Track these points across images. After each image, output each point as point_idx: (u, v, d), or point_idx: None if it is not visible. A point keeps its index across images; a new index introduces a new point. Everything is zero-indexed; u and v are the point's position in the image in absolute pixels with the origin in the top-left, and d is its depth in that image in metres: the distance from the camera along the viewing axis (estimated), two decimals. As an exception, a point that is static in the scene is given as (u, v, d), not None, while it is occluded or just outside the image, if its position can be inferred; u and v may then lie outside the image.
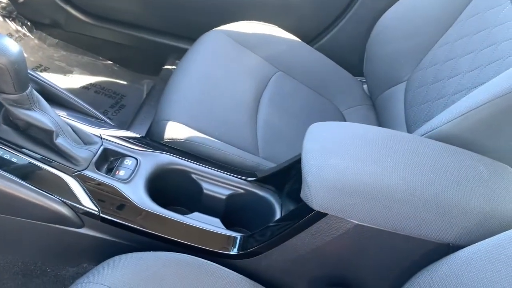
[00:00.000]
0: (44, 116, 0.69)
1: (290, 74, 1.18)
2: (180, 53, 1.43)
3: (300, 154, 0.66)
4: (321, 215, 0.59)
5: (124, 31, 1.48)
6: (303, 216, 0.61)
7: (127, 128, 1.15)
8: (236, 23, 1.18)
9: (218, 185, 0.78)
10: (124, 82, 1.48)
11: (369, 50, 1.18)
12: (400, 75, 1.08)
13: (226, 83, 1.06)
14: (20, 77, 0.64)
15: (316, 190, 0.58)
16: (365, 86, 1.25)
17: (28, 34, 1.51)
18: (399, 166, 0.59)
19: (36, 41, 1.51)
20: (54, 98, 0.82)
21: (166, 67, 1.42)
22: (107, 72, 1.50)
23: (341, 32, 1.30)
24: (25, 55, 1.41)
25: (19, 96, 0.66)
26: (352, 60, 1.28)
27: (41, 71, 1.43)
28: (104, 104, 1.37)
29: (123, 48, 1.51)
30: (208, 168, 0.79)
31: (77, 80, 1.44)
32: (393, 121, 1.04)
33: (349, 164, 0.60)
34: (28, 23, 1.51)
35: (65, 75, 1.44)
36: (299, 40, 1.22)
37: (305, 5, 1.29)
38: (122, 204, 0.68)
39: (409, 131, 0.98)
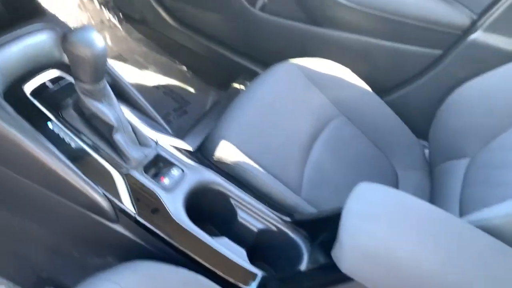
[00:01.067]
0: (110, 110, 0.72)
1: (352, 120, 1.16)
2: (250, 74, 1.47)
3: (341, 208, 0.64)
4: (347, 278, 0.57)
5: (203, 41, 1.53)
6: (330, 274, 0.59)
7: (184, 135, 1.18)
8: (311, 58, 1.19)
9: (253, 216, 0.77)
10: (192, 90, 1.53)
11: (439, 116, 1.14)
12: (465, 150, 1.03)
13: (287, 116, 1.06)
14: (98, 69, 0.68)
15: (347, 253, 0.57)
16: (426, 151, 1.20)
17: (117, 24, 1.60)
18: (440, 252, 0.56)
19: (123, 32, 1.60)
20: (123, 94, 0.86)
21: (234, 85, 1.45)
22: (180, 76, 1.55)
23: (415, 91, 1.27)
24: (110, 43, 1.51)
25: (92, 86, 0.69)
26: (419, 121, 1.24)
27: (120, 61, 1.51)
28: (169, 106, 1.42)
29: (199, 57, 1.56)
30: (248, 196, 0.79)
31: (150, 77, 1.50)
32: (447, 196, 1.00)
33: (388, 235, 0.57)
34: (120, 15, 1.61)
35: (140, 70, 1.52)
36: (369, 89, 1.20)
37: (384, 56, 1.28)
38: (159, 211, 0.70)
39: (461, 210, 0.93)
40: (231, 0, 1.40)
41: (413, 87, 1.27)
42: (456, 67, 1.18)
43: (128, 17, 1.61)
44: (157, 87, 1.49)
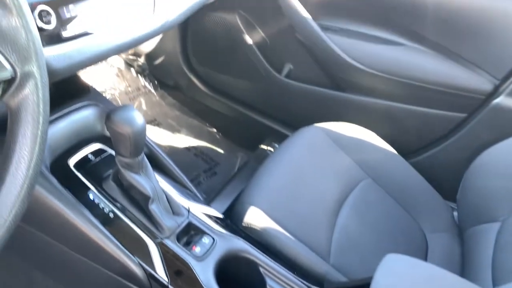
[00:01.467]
0: (147, 182, 0.77)
1: (379, 183, 1.17)
2: (277, 136, 1.52)
3: (370, 278, 0.65)
4: None
5: (232, 105, 1.61)
6: None
7: (214, 197, 1.22)
8: (336, 123, 1.23)
9: (282, 285, 0.78)
10: (222, 151, 1.59)
11: (467, 179, 1.14)
12: (496, 214, 1.02)
13: (315, 179, 1.09)
14: (137, 145, 0.73)
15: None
16: (455, 213, 1.20)
17: (152, 91, 1.71)
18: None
19: (157, 98, 1.70)
20: (157, 163, 0.91)
21: (262, 146, 1.50)
22: (210, 138, 1.62)
23: (441, 153, 1.28)
24: (145, 108, 1.60)
25: (132, 160, 0.75)
26: (446, 183, 1.24)
27: (154, 125, 1.59)
28: (199, 167, 1.48)
29: (228, 120, 1.63)
30: (277, 264, 0.81)
31: (182, 140, 1.58)
32: (479, 261, 0.98)
33: (417, 310, 0.58)
34: (155, 82, 1.72)
35: (173, 133, 1.59)
36: (395, 152, 1.22)
37: (409, 119, 1.31)
38: (191, 281, 0.72)
39: (494, 277, 0.91)
40: (258, 68, 1.48)
41: (439, 149, 1.28)
42: (481, 130, 1.19)
43: (163, 84, 1.72)
44: (189, 149, 1.55)
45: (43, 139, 0.46)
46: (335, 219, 1.04)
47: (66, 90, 0.86)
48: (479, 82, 1.17)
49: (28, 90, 0.44)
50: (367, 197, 1.14)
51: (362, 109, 1.35)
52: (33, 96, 0.45)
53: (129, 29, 0.72)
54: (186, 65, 1.63)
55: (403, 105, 1.29)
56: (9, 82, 0.43)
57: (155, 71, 1.71)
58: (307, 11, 1.31)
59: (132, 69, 1.69)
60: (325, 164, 1.14)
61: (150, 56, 1.68)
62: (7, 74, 0.42)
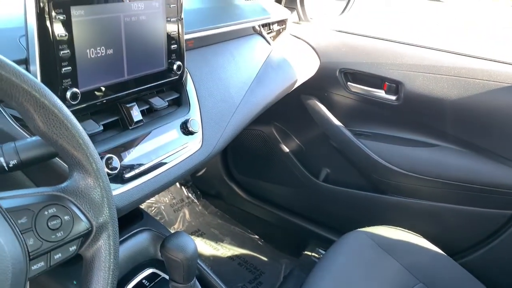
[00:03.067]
0: (199, 306, 0.79)
1: (430, 287, 1.13)
2: (320, 240, 1.51)
3: None
4: None
5: (273, 211, 1.64)
6: None
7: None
8: (380, 227, 1.23)
9: None
10: (265, 259, 1.59)
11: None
12: None
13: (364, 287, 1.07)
14: (190, 270, 0.77)
15: None
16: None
17: (195, 200, 1.77)
18: None
19: (200, 207, 1.76)
20: (207, 284, 0.93)
21: (306, 252, 1.50)
22: (252, 246, 1.63)
23: (492, 252, 1.24)
24: (189, 218, 1.65)
25: (185, 286, 0.77)
26: (501, 283, 1.18)
27: (197, 236, 1.63)
28: (244, 278, 1.47)
29: (270, 225, 1.65)
30: None
31: (225, 249, 1.59)
32: None
33: None
34: (198, 192, 1.79)
35: (216, 242, 1.62)
36: (444, 253, 1.19)
37: (454, 218, 1.29)
38: None
39: None
40: (296, 174, 1.54)
41: (490, 248, 1.24)
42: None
43: (205, 193, 1.79)
44: (232, 259, 1.56)
45: (113, 284, 0.50)
46: (391, 330, 1.00)
47: (122, 216, 0.92)
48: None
49: (102, 240, 0.50)
50: (422, 304, 1.10)
51: (404, 210, 1.35)
52: (105, 246, 0.50)
53: (181, 164, 0.79)
54: (226, 175, 1.71)
55: (446, 204, 1.28)
56: (85, 236, 0.49)
57: (197, 182, 1.79)
58: (338, 119, 1.39)
59: (176, 181, 1.78)
60: (374, 271, 1.13)
61: (192, 169, 1.78)
62: (84, 228, 0.48)
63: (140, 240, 0.92)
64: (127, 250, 0.89)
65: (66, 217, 0.47)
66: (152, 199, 1.66)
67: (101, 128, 0.70)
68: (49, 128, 0.45)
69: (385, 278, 1.11)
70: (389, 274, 1.13)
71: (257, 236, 1.68)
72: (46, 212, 0.45)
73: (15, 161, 0.50)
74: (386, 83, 1.30)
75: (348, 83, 1.35)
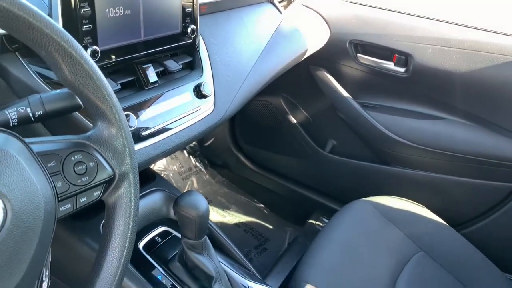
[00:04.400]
0: (210, 262, 0.82)
1: (432, 256, 1.17)
2: (325, 210, 1.55)
3: None
4: None
5: (279, 180, 1.67)
6: None
7: (267, 273, 1.24)
8: (385, 196, 1.26)
9: None
10: (270, 227, 1.63)
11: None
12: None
13: (366, 255, 1.10)
14: (202, 227, 0.80)
15: None
16: (516, 286, 1.16)
17: (203, 170, 1.81)
18: None
19: (207, 176, 1.79)
20: (217, 242, 0.97)
21: (310, 221, 1.53)
22: (258, 214, 1.67)
23: (494, 223, 1.27)
24: (196, 186, 1.68)
25: (196, 242, 0.81)
26: (502, 255, 1.22)
27: (205, 203, 1.67)
28: (250, 243, 1.51)
29: (275, 195, 1.69)
30: None
31: (232, 216, 1.63)
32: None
33: None
34: (206, 161, 1.82)
35: (223, 210, 1.66)
36: (446, 224, 1.22)
37: (457, 190, 1.32)
38: None
39: None
40: (302, 145, 1.56)
41: (491, 220, 1.27)
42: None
43: (212, 163, 1.82)
44: (238, 225, 1.61)
45: (134, 230, 0.53)
46: (391, 294, 1.04)
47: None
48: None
49: (123, 188, 0.52)
50: (421, 271, 1.13)
51: (408, 182, 1.37)
52: (127, 193, 0.53)
53: (194, 126, 0.82)
54: (234, 145, 1.73)
55: (450, 176, 1.31)
56: (108, 182, 0.51)
57: (205, 151, 1.82)
58: (347, 91, 1.40)
59: (184, 151, 1.81)
60: (376, 239, 1.16)
61: (200, 139, 1.80)
62: (108, 175, 0.51)
63: (153, 200, 0.95)
64: (141, 209, 0.92)
65: (91, 164, 0.49)
66: (161, 167, 1.70)
67: (119, 87, 0.72)
68: (76, 78, 0.47)
69: (386, 246, 1.15)
70: (391, 242, 1.16)
71: (262, 205, 1.72)
72: (72, 158, 0.48)
73: (41, 112, 0.53)
74: (396, 55, 1.31)
75: (358, 54, 1.36)
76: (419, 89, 1.32)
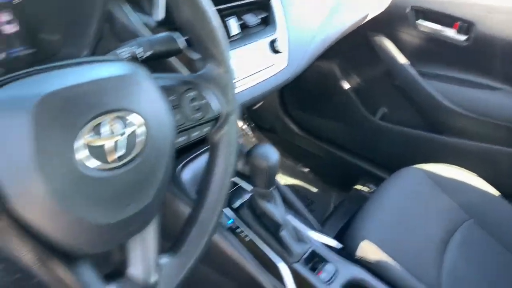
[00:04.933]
0: (278, 210, 0.86)
1: (481, 225, 1.18)
2: (371, 177, 1.57)
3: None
4: None
5: (325, 146, 1.69)
6: None
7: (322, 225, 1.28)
8: (437, 164, 1.26)
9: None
10: (315, 190, 1.66)
11: None
12: None
13: (418, 218, 1.13)
14: (272, 177, 0.84)
15: None
16: None
17: (250, 132, 1.84)
18: None
19: (254, 139, 1.83)
20: (282, 193, 1.01)
21: (356, 187, 1.56)
22: (303, 178, 1.71)
23: (547, 196, 1.26)
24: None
25: (266, 191, 0.85)
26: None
27: (251, 165, 1.71)
28: (295, 205, 1.55)
29: (322, 160, 1.71)
30: (395, 295, 0.85)
31: (277, 179, 1.67)
32: None
33: None
34: (253, 125, 1.86)
35: (269, 172, 1.70)
36: (497, 193, 1.23)
37: (509, 161, 1.32)
38: (320, 303, 0.79)
39: None
40: (353, 111, 1.57)
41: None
42: None
43: (259, 127, 1.85)
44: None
45: (233, 166, 0.57)
46: (442, 257, 1.07)
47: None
48: None
49: (227, 126, 0.56)
50: (471, 239, 1.15)
51: (461, 152, 1.37)
52: (229, 131, 0.56)
53: (269, 80, 0.85)
54: (282, 110, 1.76)
55: (505, 148, 1.30)
56: (217, 119, 0.55)
57: (252, 114, 1.85)
58: (405, 58, 1.39)
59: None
60: (427, 205, 1.18)
61: (248, 101, 1.83)
62: (217, 112, 0.54)
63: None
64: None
65: (204, 101, 0.53)
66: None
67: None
68: (195, 19, 0.50)
69: (436, 212, 1.16)
70: (441, 209, 1.18)
71: (307, 169, 1.75)
72: (188, 95, 0.52)
73: (151, 52, 0.56)
74: (458, 22, 1.29)
75: (418, 21, 1.35)
76: (479, 58, 1.31)
